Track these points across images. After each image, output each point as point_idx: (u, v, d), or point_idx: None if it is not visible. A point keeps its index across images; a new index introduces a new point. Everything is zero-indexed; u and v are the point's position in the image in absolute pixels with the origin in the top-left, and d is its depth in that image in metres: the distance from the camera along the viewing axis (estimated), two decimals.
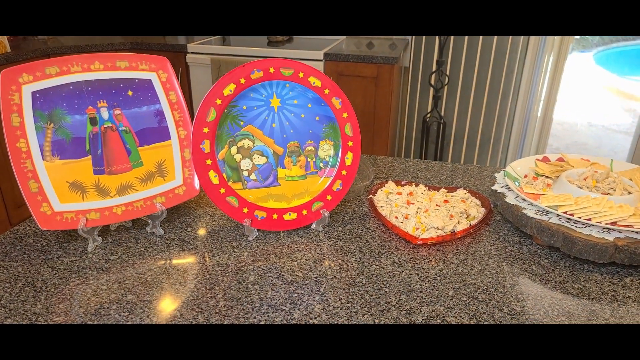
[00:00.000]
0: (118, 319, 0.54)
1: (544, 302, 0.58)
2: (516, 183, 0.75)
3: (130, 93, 0.67)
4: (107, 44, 2.16)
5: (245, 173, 0.69)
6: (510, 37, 2.26)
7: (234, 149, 0.68)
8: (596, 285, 0.61)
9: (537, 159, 0.84)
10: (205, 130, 0.66)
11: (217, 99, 0.65)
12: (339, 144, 0.73)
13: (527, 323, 0.54)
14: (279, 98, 0.69)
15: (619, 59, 5.86)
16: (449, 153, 2.56)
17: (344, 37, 2.51)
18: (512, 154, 2.51)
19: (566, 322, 0.54)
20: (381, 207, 0.76)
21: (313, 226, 0.73)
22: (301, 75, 0.69)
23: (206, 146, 0.66)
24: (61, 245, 0.67)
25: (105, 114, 0.65)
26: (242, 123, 0.68)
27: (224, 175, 0.68)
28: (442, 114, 2.46)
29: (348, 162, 0.73)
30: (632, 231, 0.63)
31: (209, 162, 0.66)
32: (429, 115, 2.37)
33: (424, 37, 2.34)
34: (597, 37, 6.16)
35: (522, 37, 2.27)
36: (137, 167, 0.68)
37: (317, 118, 0.72)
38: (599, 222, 0.64)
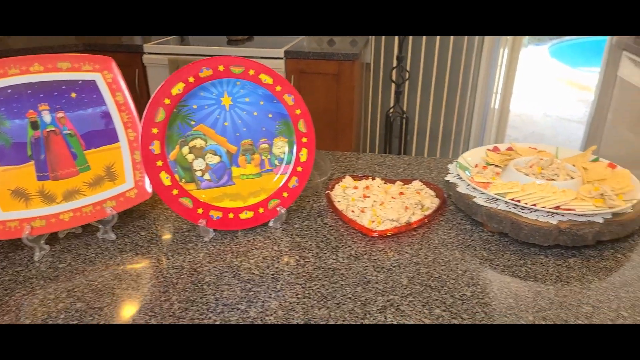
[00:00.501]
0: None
1: (492, 286, 0.60)
2: (467, 173, 0.78)
3: (73, 95, 0.65)
4: (58, 46, 2.09)
5: (199, 173, 0.69)
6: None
7: (185, 149, 0.67)
8: (542, 267, 0.64)
9: (488, 149, 0.86)
10: (155, 131, 0.64)
11: (166, 99, 0.64)
12: (293, 141, 0.73)
13: (476, 307, 0.56)
14: (230, 96, 0.69)
15: (572, 52, 6.11)
16: (412, 147, 2.60)
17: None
18: (473, 146, 2.57)
19: (513, 304, 0.56)
20: (338, 201, 0.77)
21: (270, 224, 0.72)
22: (252, 72, 0.68)
23: (156, 147, 0.65)
24: (6, 255, 0.64)
25: (47, 117, 0.63)
26: (193, 122, 0.67)
27: (177, 176, 0.67)
28: (405, 108, 2.49)
29: (303, 158, 0.73)
30: (574, 214, 0.66)
31: (159, 163, 0.65)
32: (391, 111, 2.40)
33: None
34: None
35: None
36: (84, 171, 0.66)
37: (270, 115, 0.72)
38: (544, 207, 0.67)
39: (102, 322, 0.53)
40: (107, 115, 0.68)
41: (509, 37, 2.40)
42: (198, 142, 0.68)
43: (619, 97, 2.49)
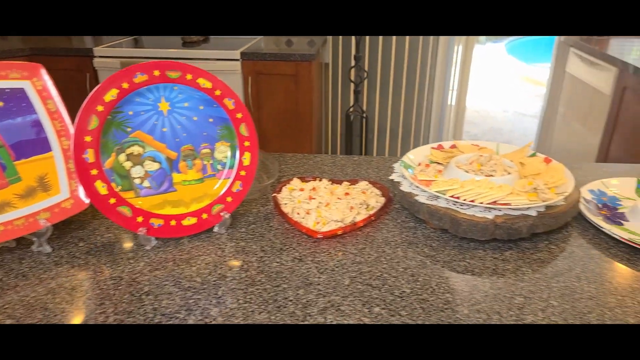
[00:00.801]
0: None
1: (431, 282, 0.61)
2: (410, 171, 0.79)
3: (1, 104, 0.62)
4: (2, 51, 2.00)
5: (137, 180, 0.67)
6: None
7: (122, 157, 0.66)
8: (479, 261, 0.66)
9: (432, 147, 0.88)
10: (88, 139, 0.63)
11: (98, 106, 0.63)
12: (235, 145, 0.72)
13: (414, 304, 0.57)
14: (168, 101, 0.68)
15: (527, 48, 6.32)
16: (373, 146, 2.63)
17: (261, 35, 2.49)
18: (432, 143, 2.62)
19: (450, 299, 0.58)
20: (285, 204, 0.77)
21: (215, 229, 0.72)
22: (189, 77, 0.67)
23: (90, 155, 0.63)
24: None
25: None
26: (129, 129, 0.66)
27: (114, 184, 0.65)
28: (364, 108, 2.52)
29: (246, 162, 0.73)
30: (510, 208, 0.69)
31: (94, 172, 0.63)
32: (351, 110, 2.42)
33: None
34: None
35: None
36: (14, 182, 0.64)
37: (211, 120, 0.71)
38: (481, 203, 0.69)
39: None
40: (38, 124, 0.65)
41: (462, 36, 2.46)
42: (135, 149, 0.66)
43: (569, 91, 2.59)
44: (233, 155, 0.73)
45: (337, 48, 2.42)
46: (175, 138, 0.69)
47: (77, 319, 0.54)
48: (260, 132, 2.19)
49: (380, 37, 2.37)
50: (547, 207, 0.70)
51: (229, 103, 0.70)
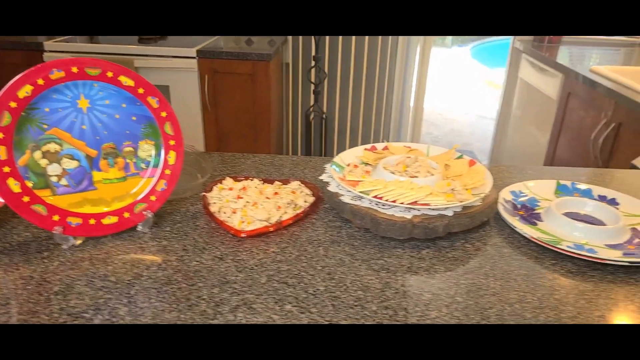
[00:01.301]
0: None
1: (346, 280, 0.63)
2: (338, 171, 0.80)
3: None
4: None
5: (55, 179, 0.66)
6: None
7: (37, 154, 0.65)
8: (397, 259, 0.68)
9: (365, 149, 0.90)
10: (0, 135, 0.61)
11: (11, 102, 0.61)
12: (160, 144, 0.72)
13: (325, 301, 0.58)
14: (88, 99, 0.67)
15: (490, 53, 6.49)
16: (333, 146, 2.65)
17: None
18: None
19: (362, 296, 0.60)
20: (214, 203, 0.77)
21: (138, 228, 0.71)
22: (110, 74, 0.67)
23: (2, 153, 0.62)
24: None
25: None
26: (45, 126, 0.65)
27: (28, 182, 0.64)
28: (325, 108, 2.54)
29: (171, 161, 0.73)
30: (428, 208, 0.71)
31: (6, 169, 0.62)
32: (311, 110, 2.43)
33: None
34: None
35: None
36: None
37: (134, 118, 0.70)
38: (402, 203, 0.71)
39: None
40: None
41: (420, 37, 2.51)
42: (52, 147, 0.65)
43: (521, 96, 2.68)
44: (158, 154, 0.72)
45: (297, 48, 2.43)
46: (95, 136, 0.68)
47: None
48: (217, 131, 2.18)
49: (340, 38, 2.39)
50: (464, 207, 0.73)
51: (153, 101, 0.70)
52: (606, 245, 0.72)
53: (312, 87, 2.42)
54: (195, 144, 2.19)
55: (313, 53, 2.38)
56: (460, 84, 5.18)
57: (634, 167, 1.07)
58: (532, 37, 2.64)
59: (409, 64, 2.56)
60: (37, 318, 0.54)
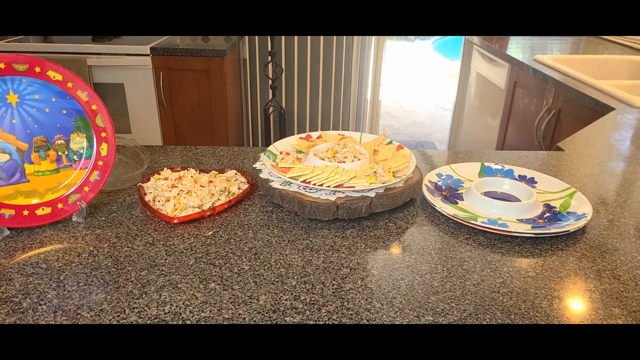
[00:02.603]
0: None
1: (271, 259, 0.67)
2: (270, 158, 0.84)
3: None
4: None
5: None
6: None
7: None
8: (322, 239, 0.72)
9: (300, 137, 0.94)
10: None
11: None
12: (92, 136, 0.74)
13: (249, 279, 0.62)
14: (17, 93, 0.69)
15: (450, 46, 6.64)
16: None
17: None
18: None
19: (283, 273, 0.64)
20: (149, 192, 0.80)
21: (73, 218, 0.74)
22: (37, 70, 0.69)
23: None
24: None
25: None
26: None
27: None
28: (283, 103, 2.57)
29: (103, 152, 0.75)
30: (352, 190, 0.76)
31: None
32: (269, 105, 2.46)
33: None
34: None
35: None
36: None
37: (65, 112, 0.72)
38: (328, 186, 0.75)
39: None
40: None
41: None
42: None
43: (475, 86, 2.78)
44: (90, 146, 0.75)
45: (253, 44, 2.45)
46: (26, 130, 0.70)
47: None
48: (175, 128, 2.19)
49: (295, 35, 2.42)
50: (387, 188, 0.78)
51: (82, 95, 0.72)
52: (518, 220, 0.79)
53: (270, 82, 2.45)
54: (152, 140, 2.19)
55: (269, 49, 2.40)
56: (422, 76, 5.29)
57: (559, 148, 1.15)
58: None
59: (364, 58, 2.61)
60: None
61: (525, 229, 0.75)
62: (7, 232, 0.69)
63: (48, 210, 0.71)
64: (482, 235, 0.75)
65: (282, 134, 2.50)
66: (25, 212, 0.69)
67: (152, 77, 2.07)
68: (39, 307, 0.56)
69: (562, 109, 1.84)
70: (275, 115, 2.52)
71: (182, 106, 2.13)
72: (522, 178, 0.93)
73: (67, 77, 0.71)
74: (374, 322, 0.55)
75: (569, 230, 0.73)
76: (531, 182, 0.92)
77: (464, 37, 2.84)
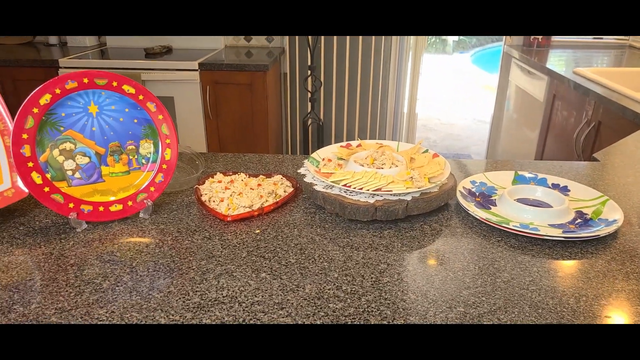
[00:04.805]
0: None
1: (315, 254, 0.73)
2: (313, 164, 0.92)
3: None
4: None
5: (70, 172, 0.78)
6: (373, 43, 2.51)
7: (56, 152, 0.77)
8: (361, 238, 0.78)
9: (340, 146, 1.01)
10: (25, 136, 0.74)
11: (34, 108, 0.74)
12: (158, 142, 0.84)
13: (295, 270, 0.69)
14: (97, 105, 0.79)
15: (489, 59, 6.59)
16: None
17: (223, 46, 2.61)
18: None
19: (326, 266, 0.70)
20: (205, 194, 0.89)
21: (140, 215, 0.83)
22: (115, 84, 0.79)
23: (26, 150, 0.74)
24: None
25: None
26: (62, 128, 0.77)
27: (48, 175, 0.76)
28: (322, 115, 2.66)
29: (167, 157, 0.84)
30: (390, 194, 0.82)
31: (30, 164, 0.74)
32: (308, 117, 2.55)
33: (297, 45, 2.52)
34: (474, 39, 6.86)
35: (383, 42, 2.53)
36: None
37: (136, 120, 0.82)
38: (368, 190, 0.82)
39: None
40: None
41: (412, 45, 2.62)
42: (68, 145, 0.78)
43: (514, 99, 2.78)
44: (156, 151, 0.84)
45: (294, 59, 2.55)
46: (103, 136, 0.80)
47: (8, 282, 0.65)
48: (219, 138, 2.31)
49: (335, 48, 2.51)
50: (423, 193, 0.83)
51: (151, 106, 0.82)
52: (550, 225, 0.82)
53: (309, 95, 2.54)
54: (198, 150, 2.32)
55: (309, 63, 2.50)
56: (460, 89, 5.28)
57: (594, 159, 1.17)
58: (522, 42, 2.74)
59: (401, 71, 2.67)
60: (56, 283, 0.65)
61: (556, 234, 0.78)
62: (85, 225, 0.79)
63: (120, 207, 0.81)
64: (513, 238, 0.79)
65: (320, 145, 2.58)
66: (101, 208, 0.79)
67: (199, 91, 2.20)
68: (117, 288, 0.65)
69: (601, 121, 1.83)
70: (314, 127, 2.61)
71: (226, 118, 2.25)
72: (555, 186, 0.96)
73: (139, 90, 0.81)
74: (409, 311, 0.61)
75: (599, 235, 0.77)
76: (564, 190, 0.95)
77: (502, 49, 2.86)
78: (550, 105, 2.23)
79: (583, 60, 2.43)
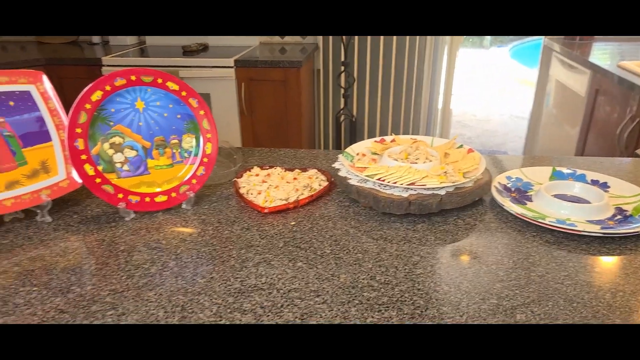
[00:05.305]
0: (4, 284, 0.66)
1: (349, 246, 0.76)
2: (348, 159, 0.94)
3: (11, 103, 0.79)
4: (22, 61, 2.20)
5: (119, 165, 0.83)
6: (408, 39, 2.50)
7: (106, 145, 0.82)
8: (394, 231, 0.80)
9: (375, 141, 1.02)
10: (78, 130, 0.79)
11: (87, 104, 0.79)
12: (199, 137, 0.88)
13: (330, 260, 0.72)
14: (143, 101, 0.84)
15: (529, 53, 6.40)
16: None
17: (257, 43, 2.66)
18: None
19: (360, 257, 0.72)
20: (243, 186, 0.92)
21: (183, 206, 0.87)
22: (160, 81, 0.83)
23: (80, 144, 0.79)
24: None
25: None
26: (111, 123, 0.82)
27: (99, 167, 0.82)
28: (355, 111, 2.67)
29: (208, 151, 0.88)
30: (424, 188, 0.83)
31: (83, 157, 0.80)
32: (341, 113, 2.57)
33: (330, 42, 2.54)
34: None
35: (418, 38, 2.52)
36: (22, 165, 0.80)
37: (179, 116, 0.87)
38: (401, 184, 0.83)
39: (32, 280, 0.67)
40: (40, 120, 0.82)
41: (447, 40, 2.59)
42: (117, 139, 0.83)
43: (554, 94, 2.70)
44: (197, 145, 0.88)
45: (327, 55, 2.57)
46: (149, 131, 0.85)
47: (66, 266, 0.70)
48: (254, 134, 2.36)
49: (368, 44, 2.52)
50: (457, 187, 0.84)
51: (193, 102, 0.86)
52: (587, 221, 0.81)
53: (342, 91, 2.56)
54: (234, 146, 2.38)
55: (342, 59, 2.51)
56: (497, 84, 5.16)
57: (637, 155, 1.13)
58: (563, 35, 2.66)
59: (436, 66, 2.64)
60: (108, 267, 0.70)
61: (594, 230, 0.77)
62: (133, 215, 0.84)
63: (164, 198, 0.85)
64: (549, 234, 0.79)
65: (353, 141, 2.59)
66: (147, 199, 0.84)
67: (234, 87, 2.26)
68: (164, 273, 0.69)
69: None
70: (346, 123, 2.63)
71: (260, 114, 2.30)
72: (594, 183, 0.95)
73: (182, 87, 0.85)
74: (442, 301, 0.62)
75: (639, 232, 0.75)
76: (604, 186, 0.93)
77: (542, 43, 2.78)
78: (593, 100, 2.16)
79: (628, 54, 2.34)
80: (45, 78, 0.82)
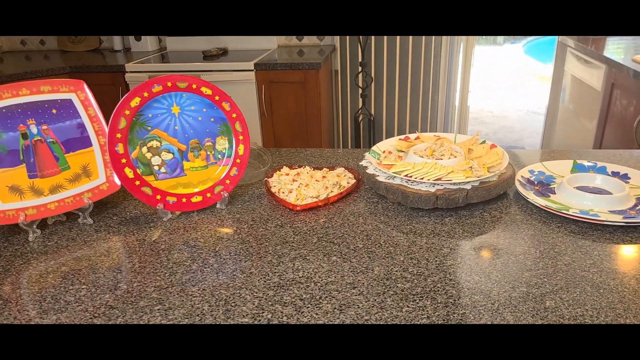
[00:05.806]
0: (54, 282, 0.70)
1: (380, 240, 0.78)
2: (374, 157, 0.96)
3: (54, 111, 0.84)
4: (46, 69, 2.28)
5: (156, 167, 0.87)
6: (424, 37, 2.52)
7: (144, 149, 0.86)
8: (423, 225, 0.82)
9: (399, 139, 1.05)
10: (118, 135, 0.83)
11: (126, 110, 0.83)
12: (232, 139, 0.92)
13: (363, 254, 0.74)
14: (179, 106, 0.88)
15: (543, 48, 6.34)
16: None
17: (276, 46, 2.70)
18: None
19: (392, 250, 0.75)
20: (274, 186, 0.96)
21: (217, 205, 0.91)
22: (194, 86, 0.87)
23: (120, 148, 0.83)
24: (6, 238, 0.83)
25: (34, 129, 0.81)
26: (149, 128, 0.86)
27: (138, 170, 0.86)
28: (372, 110, 2.69)
29: (240, 152, 0.92)
30: (450, 183, 0.85)
31: (123, 160, 0.84)
32: (359, 113, 2.60)
33: (348, 43, 2.57)
34: None
35: (434, 37, 2.53)
36: (65, 170, 0.85)
37: (212, 119, 0.90)
38: (428, 180, 0.86)
39: (80, 277, 0.71)
40: (81, 126, 0.86)
41: (462, 38, 2.60)
42: (154, 143, 0.87)
43: (569, 89, 2.69)
44: (230, 147, 0.92)
45: (345, 56, 2.60)
46: (184, 134, 0.89)
47: (111, 265, 0.74)
48: (274, 135, 2.40)
49: (385, 45, 2.54)
50: (482, 182, 0.86)
51: (226, 106, 0.90)
52: (610, 211, 0.83)
53: (360, 91, 2.58)
54: None
55: (360, 59, 2.54)
56: (512, 81, 5.13)
57: None
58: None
59: (452, 64, 2.65)
60: (151, 265, 0.74)
61: (616, 219, 0.79)
62: (170, 215, 0.88)
63: (200, 198, 0.89)
64: (573, 224, 0.81)
65: (372, 140, 2.62)
66: (184, 200, 0.88)
67: (255, 90, 2.30)
68: (205, 269, 0.73)
69: None
70: (365, 122, 2.65)
71: (280, 115, 2.34)
72: (615, 174, 0.96)
73: (215, 92, 0.89)
74: (473, 290, 0.65)
75: None
76: (624, 178, 0.95)
77: (557, 39, 2.77)
78: (609, 95, 2.16)
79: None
80: (85, 86, 0.87)
